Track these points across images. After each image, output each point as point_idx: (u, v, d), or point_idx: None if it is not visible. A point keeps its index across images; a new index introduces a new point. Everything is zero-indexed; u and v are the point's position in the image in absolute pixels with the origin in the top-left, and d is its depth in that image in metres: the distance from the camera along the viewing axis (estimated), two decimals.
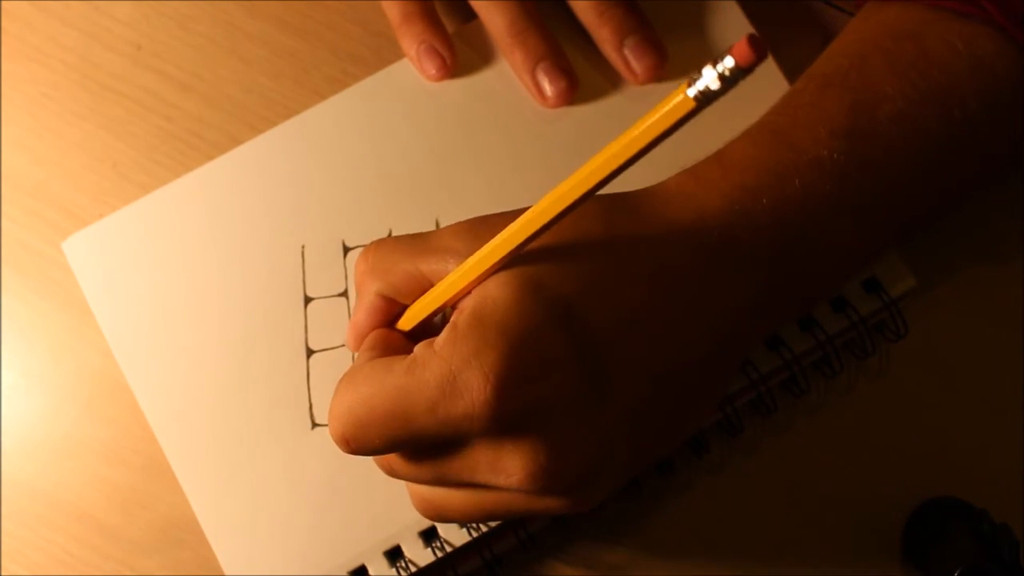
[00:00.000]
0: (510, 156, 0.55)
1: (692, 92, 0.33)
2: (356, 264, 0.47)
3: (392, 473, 0.46)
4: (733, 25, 0.56)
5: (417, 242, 0.45)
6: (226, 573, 0.53)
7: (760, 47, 0.31)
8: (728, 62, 0.32)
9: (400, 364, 0.41)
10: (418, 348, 0.42)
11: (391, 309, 0.46)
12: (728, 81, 0.32)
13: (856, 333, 0.53)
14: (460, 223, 0.45)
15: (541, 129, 0.55)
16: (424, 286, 0.45)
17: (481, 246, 0.42)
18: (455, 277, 0.42)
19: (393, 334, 0.46)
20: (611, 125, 0.55)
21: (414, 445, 0.42)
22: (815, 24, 0.58)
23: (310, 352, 0.54)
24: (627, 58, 0.55)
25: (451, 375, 0.40)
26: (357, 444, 0.42)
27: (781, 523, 0.55)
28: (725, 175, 0.46)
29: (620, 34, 0.54)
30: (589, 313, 0.42)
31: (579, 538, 0.55)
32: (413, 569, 0.51)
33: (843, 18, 0.58)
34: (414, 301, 0.46)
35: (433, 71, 0.56)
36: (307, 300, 0.54)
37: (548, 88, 0.55)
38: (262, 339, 0.54)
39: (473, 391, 0.39)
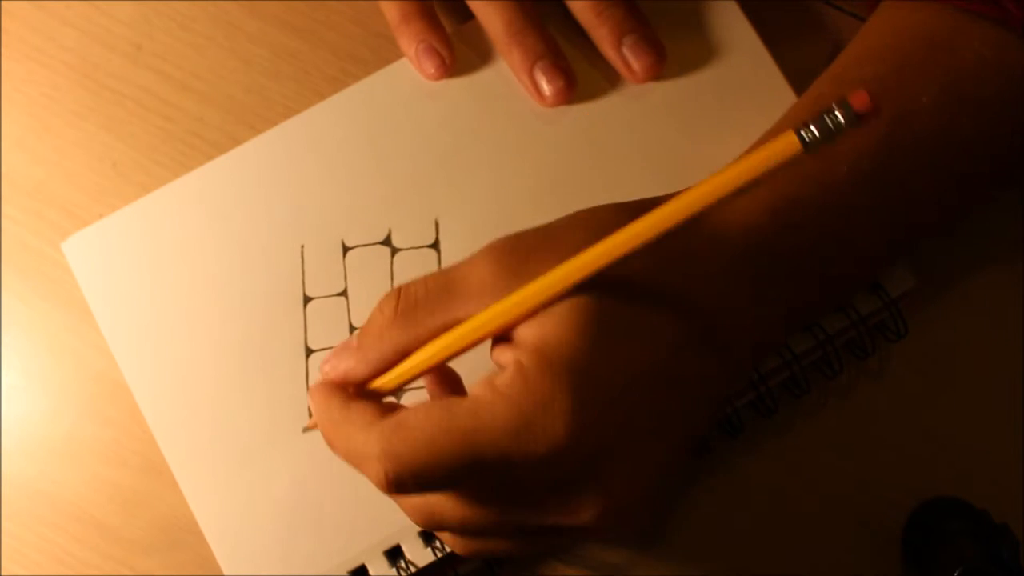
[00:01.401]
0: (510, 155, 0.55)
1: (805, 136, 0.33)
2: (381, 307, 0.44)
3: (437, 522, 0.45)
4: (732, 26, 0.56)
5: (446, 289, 0.43)
6: (225, 573, 0.53)
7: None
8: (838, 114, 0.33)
9: (460, 407, 0.40)
10: (478, 388, 0.41)
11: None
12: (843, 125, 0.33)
13: (856, 333, 0.53)
14: (485, 256, 0.43)
15: (541, 128, 0.55)
16: None
17: (519, 281, 0.41)
18: (489, 315, 0.42)
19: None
20: (610, 124, 0.55)
21: (477, 488, 0.42)
22: (816, 25, 0.58)
23: (309, 351, 0.54)
24: (626, 57, 0.54)
25: (525, 421, 0.39)
26: (414, 484, 0.41)
27: (781, 523, 0.55)
28: (770, 186, 0.46)
29: (618, 33, 0.54)
30: (648, 346, 0.42)
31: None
32: (413, 569, 0.51)
33: (845, 19, 0.58)
34: None
35: (432, 70, 0.56)
36: (306, 300, 0.54)
37: (546, 87, 0.54)
38: (261, 339, 0.54)
39: (551, 435, 0.39)
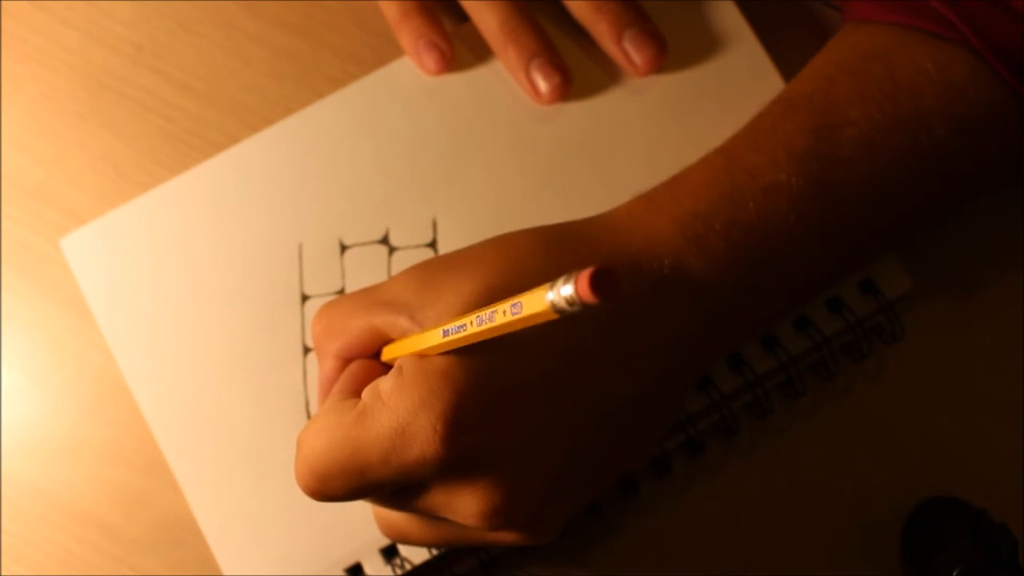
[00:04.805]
0: (507, 153, 0.55)
1: (550, 296, 0.31)
2: (312, 326, 0.47)
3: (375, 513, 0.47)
4: (729, 25, 0.56)
5: (367, 297, 0.46)
6: (224, 573, 0.53)
7: (605, 289, 0.30)
8: (566, 290, 0.30)
9: (350, 415, 0.42)
10: (366, 394, 0.42)
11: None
12: (573, 305, 0.31)
13: (852, 335, 0.53)
14: (406, 272, 0.45)
15: (537, 126, 0.55)
16: (380, 339, 0.45)
17: (427, 294, 0.43)
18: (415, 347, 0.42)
19: (368, 368, 0.46)
20: (606, 121, 0.55)
21: (375, 492, 0.43)
22: (812, 24, 0.58)
23: (307, 350, 0.54)
24: (627, 51, 0.54)
25: (399, 426, 0.40)
26: (322, 495, 0.43)
27: (780, 524, 0.55)
28: (676, 200, 0.47)
29: (618, 27, 0.54)
30: (534, 354, 0.42)
31: (577, 538, 0.55)
32: (408, 567, 0.51)
33: (841, 18, 0.58)
34: (373, 353, 0.46)
35: (432, 64, 0.56)
36: (304, 298, 0.54)
37: (542, 84, 0.55)
38: (260, 337, 0.54)
39: (423, 441, 0.40)
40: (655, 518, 0.55)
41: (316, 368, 0.53)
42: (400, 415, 0.40)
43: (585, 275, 0.30)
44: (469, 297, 0.42)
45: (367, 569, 0.52)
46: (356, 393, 0.44)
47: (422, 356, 0.41)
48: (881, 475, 0.55)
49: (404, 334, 0.44)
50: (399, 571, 0.51)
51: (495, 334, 0.36)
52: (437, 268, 0.44)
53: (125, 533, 0.56)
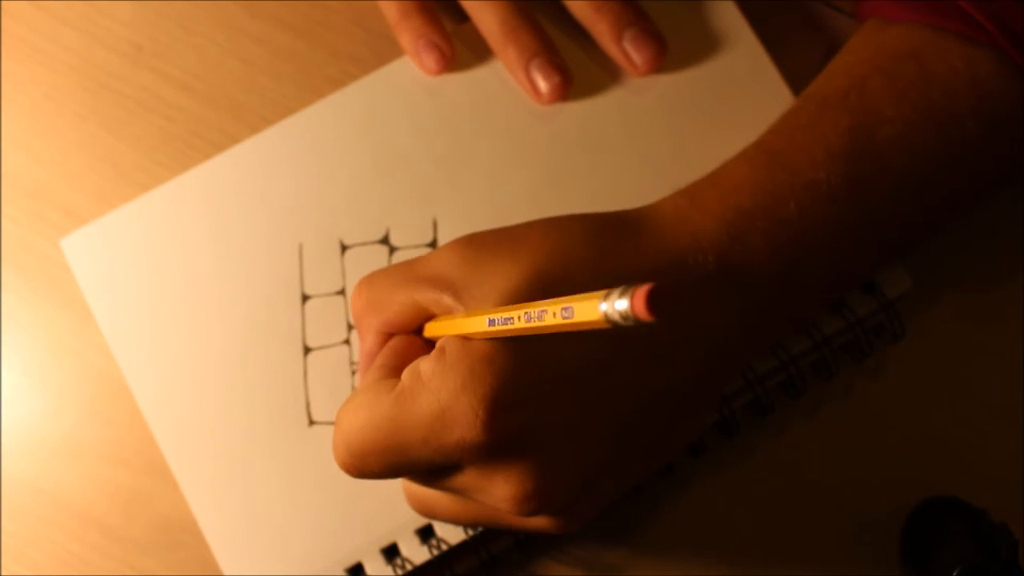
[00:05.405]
0: (507, 153, 0.55)
1: (604, 308, 0.31)
2: (352, 300, 0.47)
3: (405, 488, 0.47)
4: (730, 26, 0.56)
5: (409, 271, 0.46)
6: (225, 573, 0.53)
7: (661, 307, 0.29)
8: (622, 304, 0.30)
9: (389, 395, 0.42)
10: (406, 375, 0.42)
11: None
12: (627, 320, 0.30)
13: (853, 335, 0.53)
14: (451, 246, 0.45)
15: (537, 126, 0.55)
16: (422, 315, 0.45)
17: (473, 273, 0.43)
18: (460, 329, 0.42)
19: (409, 344, 0.46)
20: (606, 122, 0.55)
21: (412, 471, 0.43)
22: (813, 25, 0.58)
23: (307, 350, 0.54)
24: (627, 50, 0.54)
25: (440, 409, 0.40)
26: (358, 472, 0.43)
27: (780, 523, 0.55)
28: (721, 197, 0.47)
29: (618, 27, 0.54)
30: (578, 343, 0.42)
31: (577, 538, 0.55)
32: (409, 567, 0.52)
33: (841, 19, 0.58)
34: (414, 329, 0.46)
35: (432, 64, 0.56)
36: (305, 298, 0.54)
37: (542, 84, 0.55)
38: (260, 337, 0.54)
39: (463, 425, 0.40)
40: (656, 517, 0.55)
41: (316, 367, 0.54)
42: (441, 398, 0.40)
43: (642, 293, 0.29)
44: (517, 282, 0.42)
45: (368, 569, 0.52)
46: (397, 369, 0.44)
47: (466, 338, 0.41)
48: (881, 475, 0.55)
49: (448, 312, 0.44)
50: (400, 571, 0.51)
51: (541, 332, 0.36)
52: (484, 245, 0.44)
53: (125, 533, 0.56)
